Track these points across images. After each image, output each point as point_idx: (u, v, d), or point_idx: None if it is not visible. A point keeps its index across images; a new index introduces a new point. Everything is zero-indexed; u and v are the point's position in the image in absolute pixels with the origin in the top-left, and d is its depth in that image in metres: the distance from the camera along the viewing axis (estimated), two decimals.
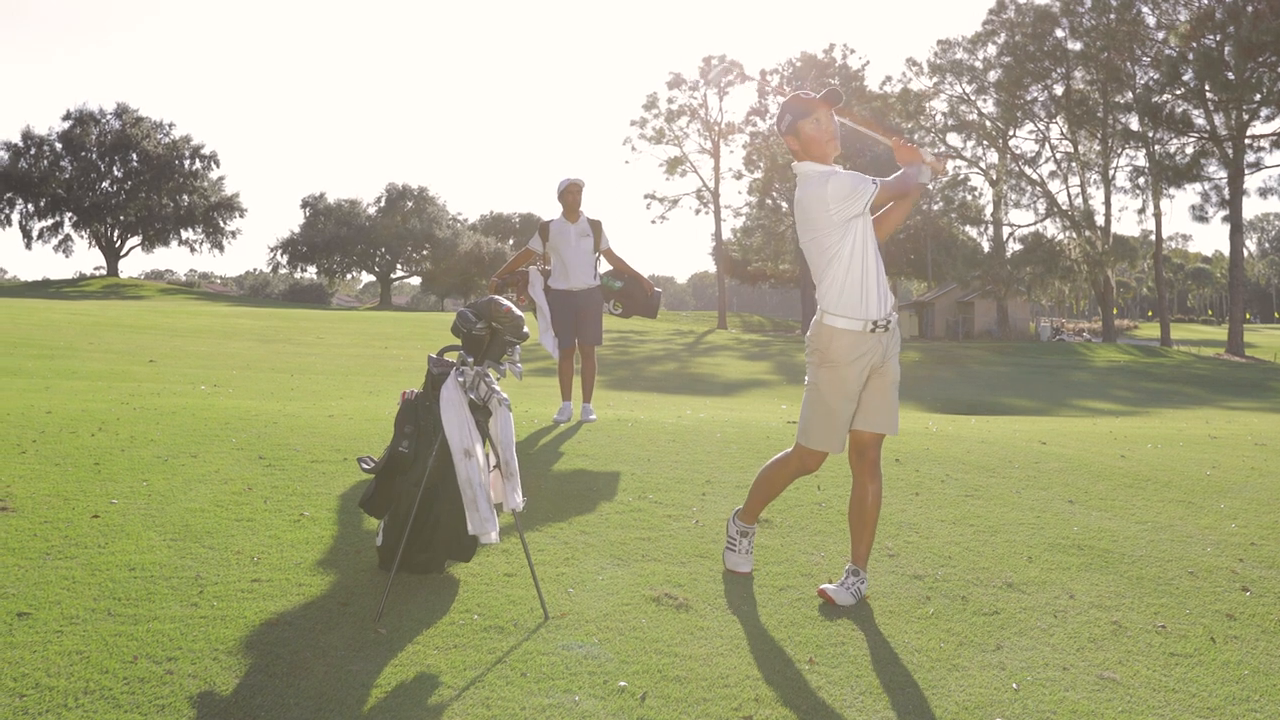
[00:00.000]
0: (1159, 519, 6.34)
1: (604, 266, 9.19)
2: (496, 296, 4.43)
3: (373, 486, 4.51)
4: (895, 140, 4.60)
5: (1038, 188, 64.55)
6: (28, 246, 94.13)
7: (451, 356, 4.46)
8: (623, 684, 3.53)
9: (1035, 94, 63.75)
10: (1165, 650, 4.12)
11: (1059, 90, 62.87)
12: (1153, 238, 63.66)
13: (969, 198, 67.45)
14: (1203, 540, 5.87)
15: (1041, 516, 6.19)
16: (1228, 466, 8.50)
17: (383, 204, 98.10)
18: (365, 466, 4.54)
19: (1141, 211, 61.87)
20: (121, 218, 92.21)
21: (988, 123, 65.37)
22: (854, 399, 4.49)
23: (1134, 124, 59.34)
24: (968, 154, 66.84)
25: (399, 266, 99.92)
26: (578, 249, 8.74)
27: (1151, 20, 58.16)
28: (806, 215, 4.42)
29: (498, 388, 4.34)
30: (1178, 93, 56.04)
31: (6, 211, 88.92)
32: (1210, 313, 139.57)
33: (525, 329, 4.40)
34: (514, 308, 4.38)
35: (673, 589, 4.47)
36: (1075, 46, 61.60)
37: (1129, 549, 5.56)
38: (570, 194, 8.74)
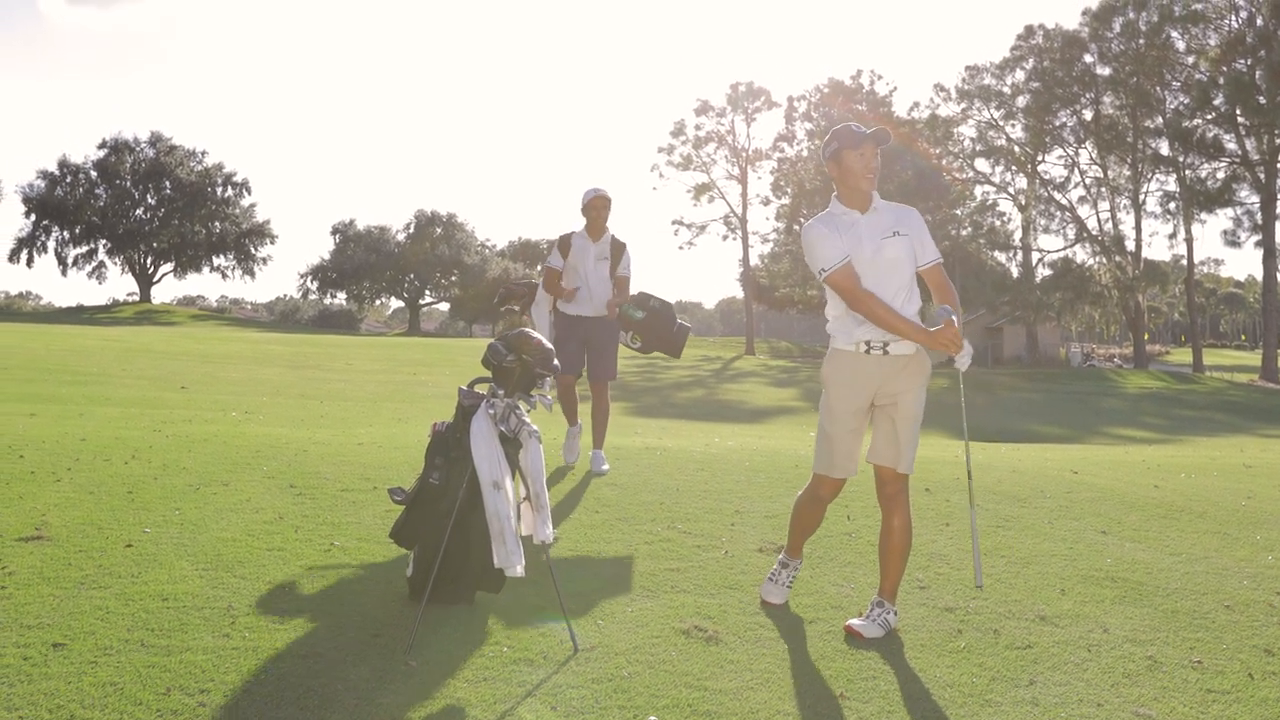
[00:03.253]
0: (1194, 550, 6.27)
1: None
2: (527, 330, 4.45)
3: (403, 517, 4.53)
4: (943, 326, 4.43)
5: (1067, 213, 64.20)
6: (63, 273, 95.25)
7: (482, 388, 4.48)
8: (652, 718, 3.51)
9: (1064, 119, 63.50)
10: (1201, 686, 4.06)
11: (1088, 115, 62.63)
12: (1184, 262, 63.20)
13: (997, 223, 67.15)
14: (1239, 573, 5.80)
15: (1074, 548, 6.13)
16: (1264, 496, 8.40)
17: (412, 230, 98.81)
18: (396, 498, 4.57)
19: (1172, 236, 61.58)
20: (155, 244, 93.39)
21: (1016, 148, 65.16)
22: (848, 424, 4.54)
23: (1164, 149, 58.99)
24: (996, 179, 66.66)
25: (428, 292, 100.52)
26: (596, 271, 7.78)
27: (1181, 45, 57.94)
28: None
29: (528, 419, 4.36)
30: (1208, 117, 55.72)
31: (43, 239, 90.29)
32: (1244, 338, 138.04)
33: (556, 361, 4.42)
34: (544, 340, 4.40)
35: (702, 621, 4.45)
36: (1104, 71, 61.42)
37: (1163, 581, 5.50)
38: (595, 208, 7.77)
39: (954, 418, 24.21)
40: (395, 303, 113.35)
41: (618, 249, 7.84)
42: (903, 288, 4.53)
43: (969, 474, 4.76)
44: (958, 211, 66.85)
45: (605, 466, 7.70)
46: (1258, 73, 52.88)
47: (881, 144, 4.51)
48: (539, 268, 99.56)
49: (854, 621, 4.52)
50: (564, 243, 7.86)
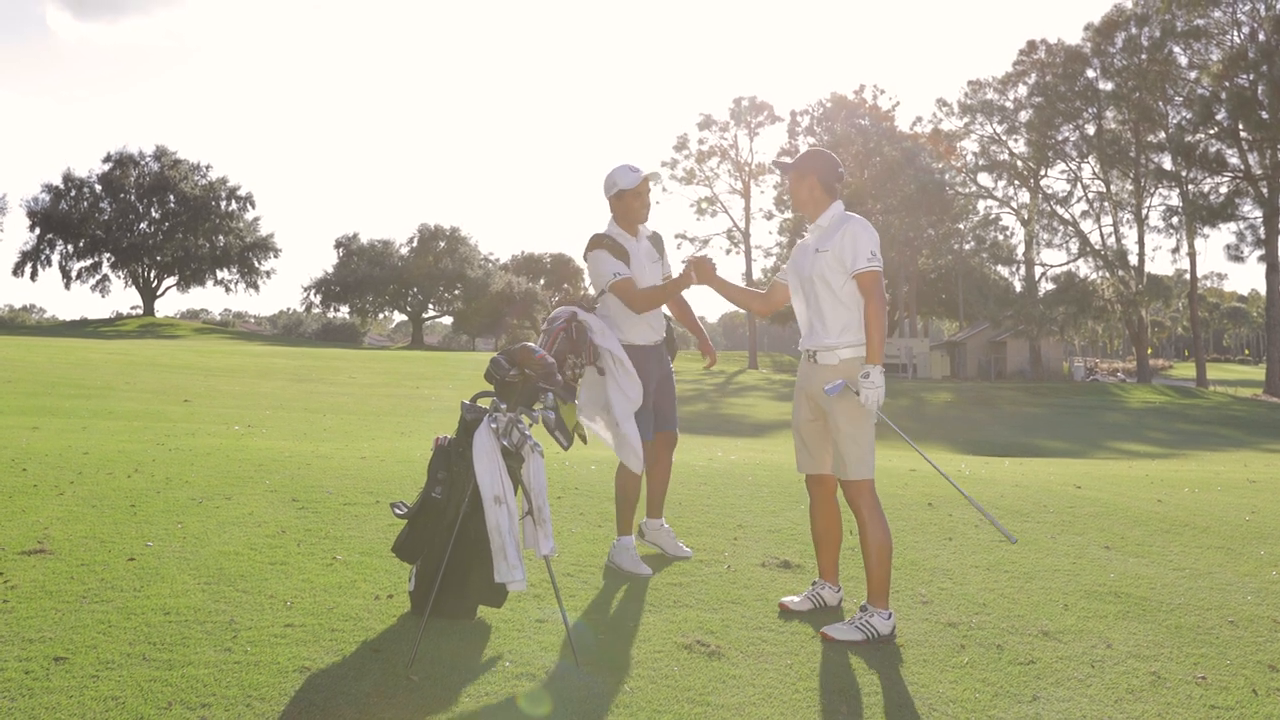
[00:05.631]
0: (1197, 565, 6.25)
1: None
2: (529, 344, 4.46)
3: (405, 531, 4.52)
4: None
5: (1070, 227, 64.28)
6: (66, 287, 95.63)
7: (484, 402, 4.48)
8: None
9: (1066, 134, 63.68)
10: (1206, 702, 4.04)
11: (1090, 130, 62.77)
12: (1187, 277, 63.17)
13: (1000, 237, 67.25)
14: (1243, 588, 5.78)
15: (1077, 563, 6.12)
16: (1267, 511, 8.37)
17: (415, 244, 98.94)
18: (398, 512, 4.56)
19: (1175, 251, 61.50)
20: (158, 258, 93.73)
21: (1019, 162, 65.26)
22: (797, 422, 4.99)
23: (1167, 163, 59.10)
24: (999, 194, 66.74)
25: (431, 306, 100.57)
26: (647, 279, 5.58)
27: (1184, 60, 58.16)
28: None
29: (530, 434, 4.36)
30: (1211, 132, 55.83)
31: (47, 252, 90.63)
32: (1247, 352, 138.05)
33: (558, 375, 4.42)
34: (546, 355, 4.40)
35: (705, 636, 4.44)
36: (1107, 86, 61.62)
37: (1167, 597, 5.48)
38: (640, 195, 5.56)
39: (953, 430, 24.16)
40: (398, 316, 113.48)
41: (659, 243, 5.83)
42: (831, 303, 4.81)
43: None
44: (961, 225, 66.90)
45: (685, 548, 5.86)
46: (1260, 88, 53.00)
47: (785, 174, 5.06)
48: (541, 282, 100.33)
49: (827, 627, 4.61)
50: (616, 246, 5.52)
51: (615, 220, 5.61)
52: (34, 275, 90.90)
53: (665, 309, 5.76)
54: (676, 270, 5.58)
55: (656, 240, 5.77)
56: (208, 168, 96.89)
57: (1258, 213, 55.00)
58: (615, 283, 5.38)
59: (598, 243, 5.49)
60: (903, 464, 11.06)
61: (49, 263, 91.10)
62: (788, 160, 5.04)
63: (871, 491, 4.72)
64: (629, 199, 5.51)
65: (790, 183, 5.00)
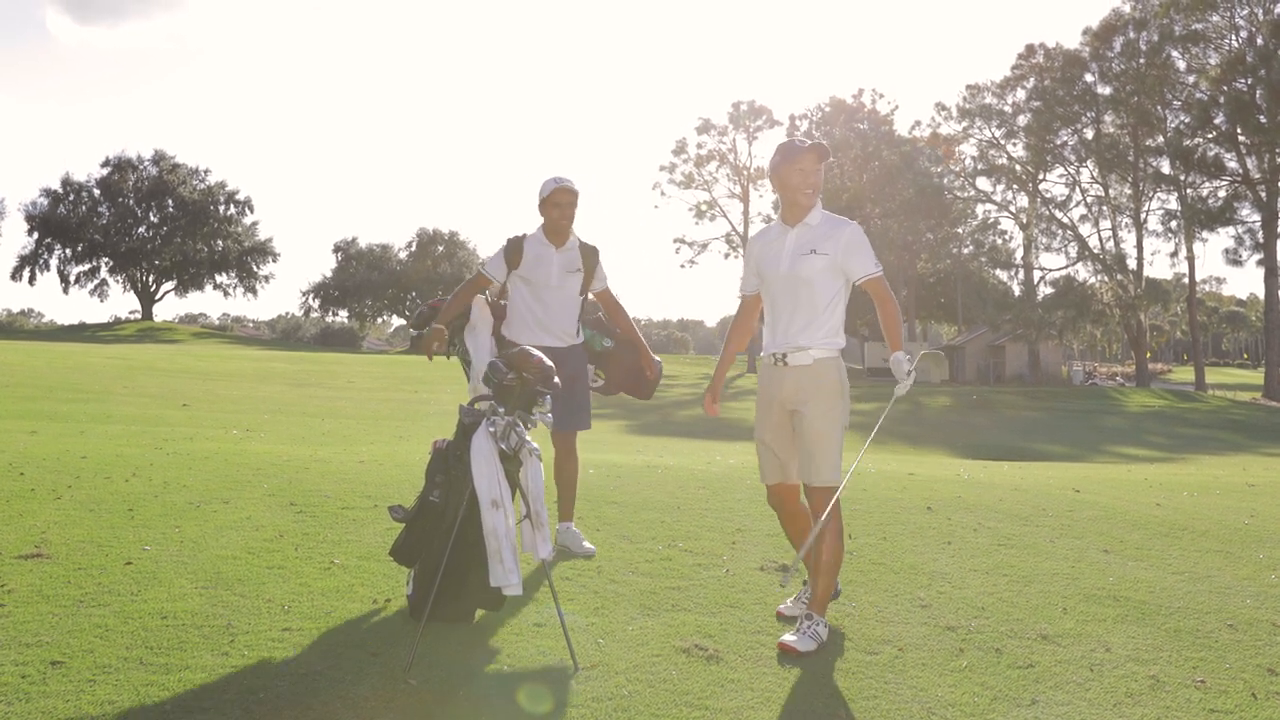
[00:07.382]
0: (1196, 569, 6.24)
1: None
2: (528, 347, 4.45)
3: (403, 535, 4.52)
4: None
5: (1069, 231, 64.23)
6: (65, 291, 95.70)
7: (482, 406, 4.48)
8: None
9: (1065, 138, 63.64)
10: (1205, 706, 4.03)
11: (1089, 134, 62.77)
12: (1185, 281, 63.15)
13: (999, 241, 67.21)
14: (1242, 591, 5.77)
15: (1076, 566, 6.11)
16: (1266, 515, 8.37)
17: (414, 248, 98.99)
18: (396, 516, 4.56)
19: (1174, 255, 61.43)
20: (157, 262, 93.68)
21: (1017, 166, 65.27)
22: (763, 430, 4.78)
23: (1165, 167, 59.09)
24: (998, 198, 66.74)
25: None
26: (561, 288, 5.84)
27: (1181, 64, 58.15)
28: None
29: (528, 437, 4.36)
30: (1209, 136, 55.87)
31: (45, 257, 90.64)
32: (1246, 356, 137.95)
33: (556, 379, 4.42)
34: (545, 358, 4.39)
35: (703, 640, 4.43)
36: (1105, 90, 61.60)
37: (1166, 600, 5.47)
38: (558, 204, 5.76)
39: (952, 435, 24.13)
40: (397, 321, 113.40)
41: (590, 257, 5.93)
42: (814, 306, 4.64)
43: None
44: (960, 229, 66.93)
45: (588, 545, 5.90)
46: (1258, 92, 53.06)
47: (823, 158, 4.64)
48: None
49: (786, 637, 4.44)
50: (513, 249, 5.81)
51: (541, 227, 5.88)
52: (32, 279, 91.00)
53: (602, 315, 6.10)
54: (629, 283, 5.77)
55: (589, 253, 5.92)
56: (206, 172, 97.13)
57: (1256, 217, 55.01)
58: (477, 274, 5.90)
59: (507, 241, 5.88)
60: (900, 468, 11.07)
61: (47, 267, 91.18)
62: (824, 145, 4.72)
63: (838, 500, 4.58)
64: (546, 208, 5.79)
65: (817, 167, 4.63)
